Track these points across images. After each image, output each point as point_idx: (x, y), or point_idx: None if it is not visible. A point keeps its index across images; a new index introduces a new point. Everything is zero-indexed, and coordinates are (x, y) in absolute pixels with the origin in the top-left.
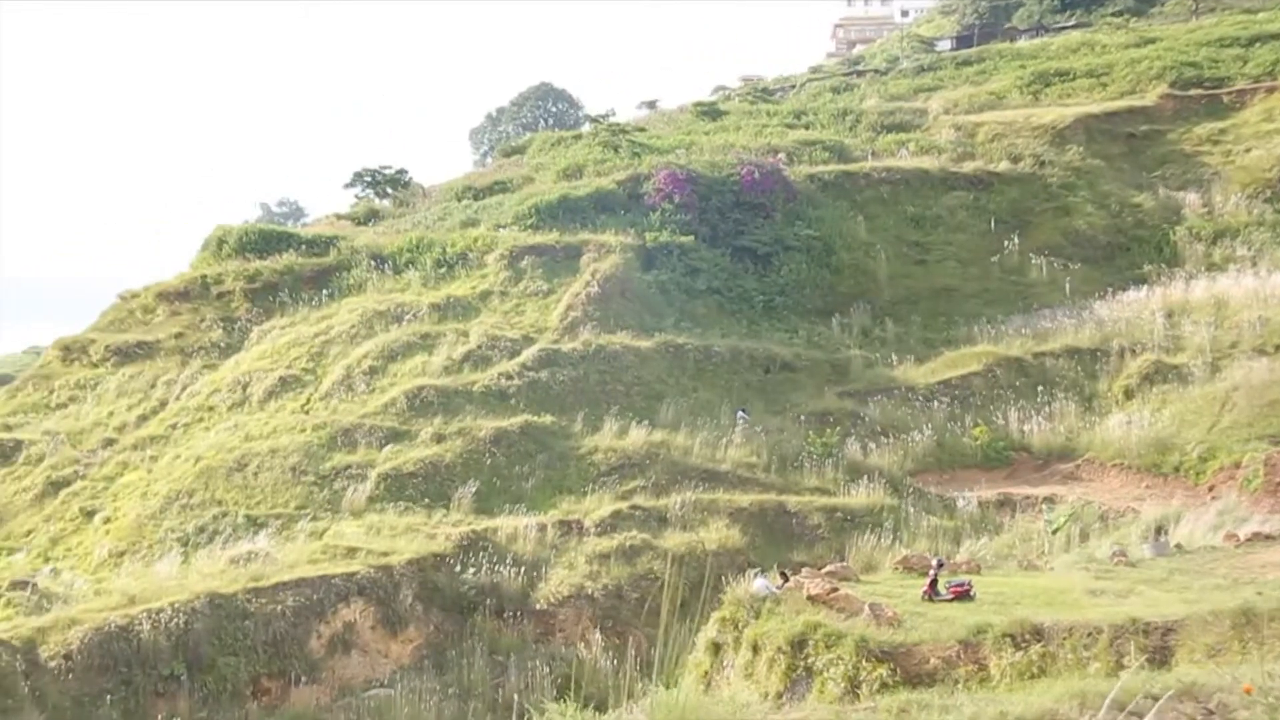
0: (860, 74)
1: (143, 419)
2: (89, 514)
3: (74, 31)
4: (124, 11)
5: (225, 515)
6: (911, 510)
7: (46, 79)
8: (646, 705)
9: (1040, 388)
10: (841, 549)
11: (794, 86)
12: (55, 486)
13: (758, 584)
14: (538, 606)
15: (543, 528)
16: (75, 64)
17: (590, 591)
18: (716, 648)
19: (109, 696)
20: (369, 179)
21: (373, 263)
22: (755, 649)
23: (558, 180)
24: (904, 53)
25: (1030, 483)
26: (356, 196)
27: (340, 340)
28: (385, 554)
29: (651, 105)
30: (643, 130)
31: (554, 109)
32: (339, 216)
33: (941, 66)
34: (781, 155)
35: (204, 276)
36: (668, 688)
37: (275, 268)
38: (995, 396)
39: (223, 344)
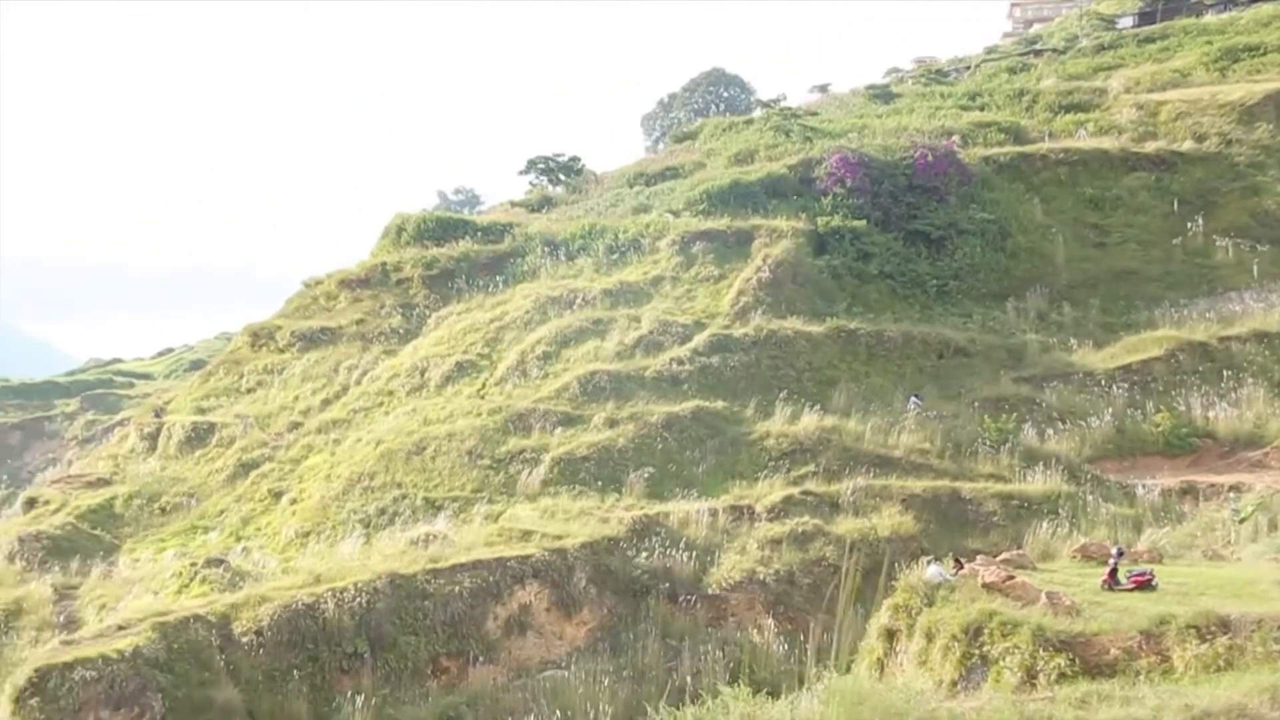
0: (1037, 53)
1: (326, 403)
2: (276, 495)
3: (253, 27)
4: (312, 8)
5: (405, 497)
6: (1090, 498)
7: (244, 74)
8: (821, 691)
9: (1226, 373)
10: (1017, 536)
11: (969, 68)
12: (245, 468)
13: (931, 571)
14: (710, 591)
15: (714, 513)
16: (259, 59)
17: (762, 577)
18: (890, 634)
19: (297, 672)
20: (543, 166)
21: (546, 249)
22: (929, 636)
23: (729, 165)
24: (1083, 30)
25: (1215, 471)
26: (531, 184)
27: (515, 326)
28: (559, 537)
29: (823, 89)
30: (814, 114)
31: (726, 94)
32: (514, 204)
33: (1123, 44)
34: (955, 138)
35: (384, 264)
36: (841, 674)
37: (452, 255)
38: (1178, 382)
39: (402, 330)
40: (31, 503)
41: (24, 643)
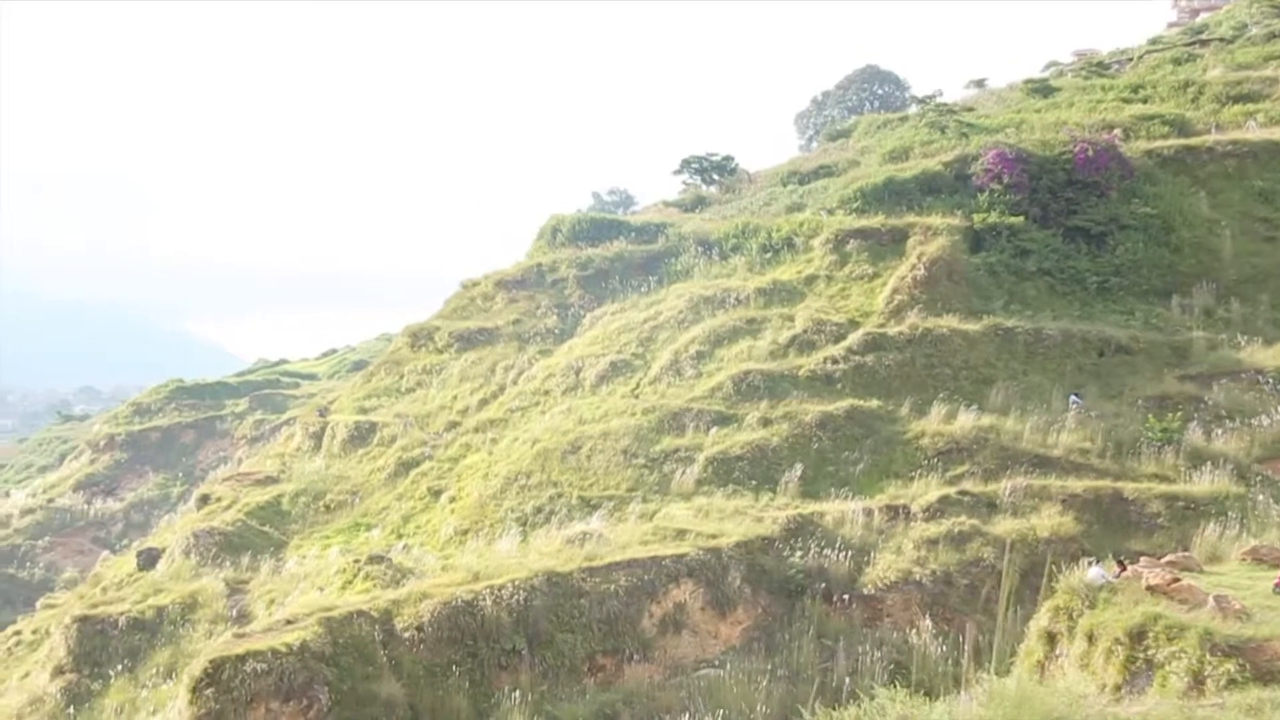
0: (1203, 43)
1: (483, 403)
2: (436, 493)
3: (408, 28)
4: (468, 10)
5: (560, 496)
6: (1260, 499)
7: (402, 76)
8: (980, 693)
9: None
10: (1183, 539)
11: (1130, 60)
12: (405, 467)
13: (1093, 573)
14: (865, 591)
15: (869, 512)
16: (417, 60)
17: (918, 577)
18: (1050, 637)
19: (456, 667)
20: (696, 166)
21: (700, 248)
22: (1090, 639)
23: (883, 163)
24: (1254, 18)
25: None
26: (684, 183)
27: (668, 325)
28: (714, 536)
29: (980, 84)
30: (971, 110)
31: (880, 91)
32: (667, 203)
33: None
34: (1117, 131)
35: (539, 264)
36: (1000, 676)
37: (606, 255)
38: None
39: (557, 330)
40: (205, 499)
41: (199, 634)
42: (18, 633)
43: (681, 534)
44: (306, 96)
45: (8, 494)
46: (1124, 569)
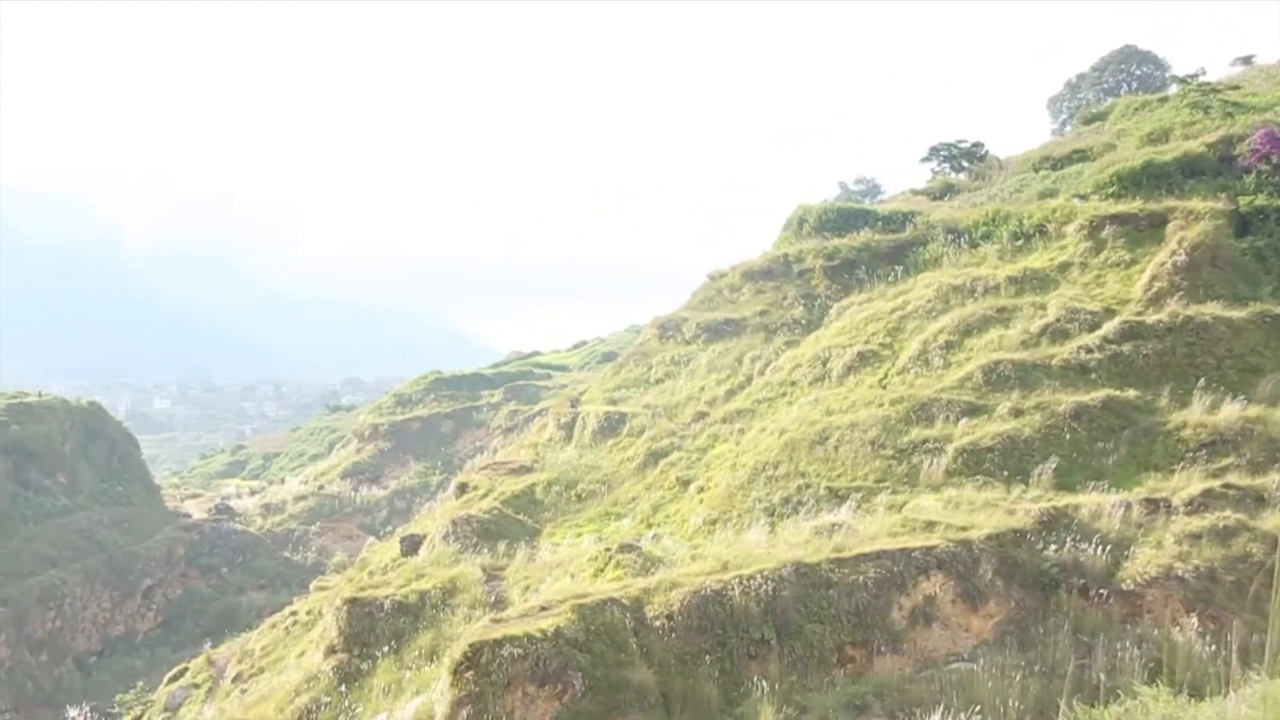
0: None
1: (730, 393)
2: (684, 483)
3: (666, 27)
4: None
5: (808, 487)
6: None
7: (647, 72)
8: (1250, 695)
9: None
10: None
11: None
12: (654, 457)
13: None
14: (1124, 586)
15: (1127, 505)
16: (661, 57)
17: (1180, 573)
18: None
19: (707, 656)
20: (944, 153)
21: (948, 237)
22: None
23: (1141, 146)
24: None
25: None
26: (932, 171)
27: (916, 315)
28: (964, 528)
29: (1247, 61)
30: (1237, 88)
31: (1138, 72)
32: (915, 192)
33: None
34: None
35: (786, 255)
36: (1272, 678)
37: (853, 245)
38: None
39: (803, 320)
40: (462, 488)
41: (459, 618)
42: (294, 613)
43: (931, 526)
44: (556, 94)
45: (283, 481)
46: None
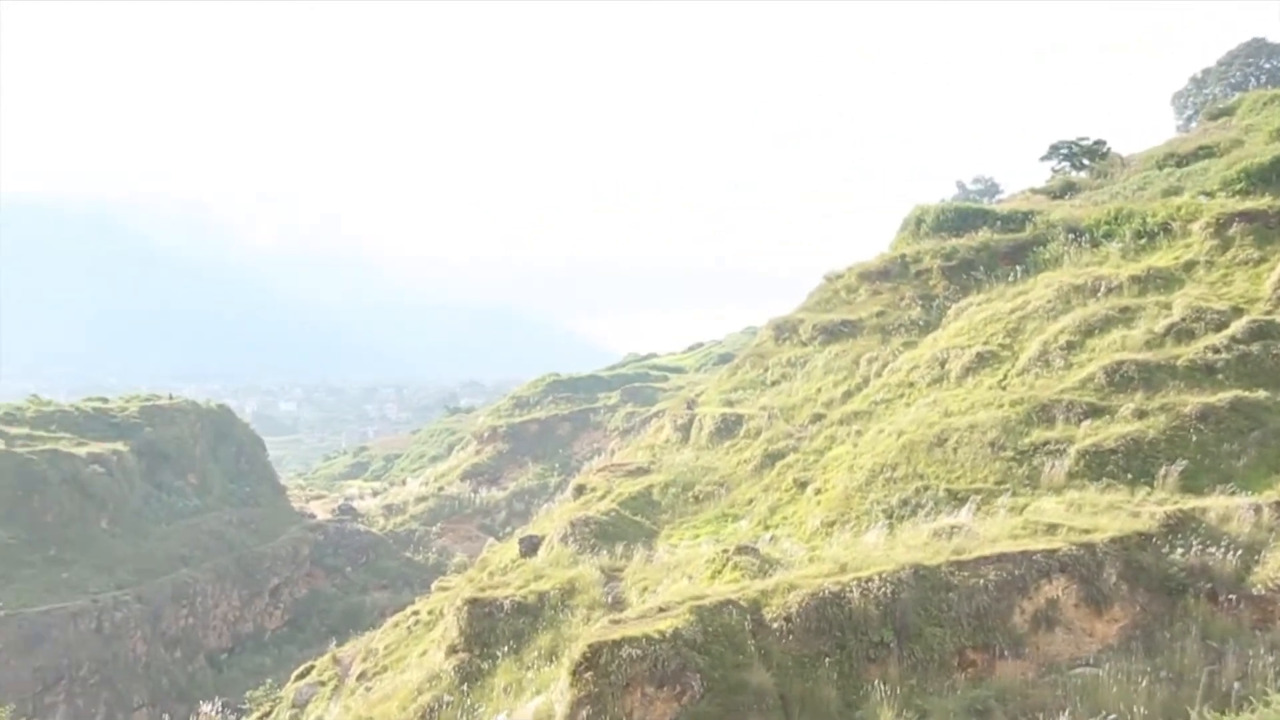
0: None
1: (847, 395)
2: (801, 485)
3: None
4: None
5: (926, 489)
6: None
7: (755, 76)
8: None
9: None
10: None
11: None
12: (771, 458)
13: None
14: (1254, 591)
15: (1258, 509)
16: (777, 63)
17: None
18: None
19: (825, 659)
20: (1065, 151)
21: (1069, 236)
22: None
23: (1270, 141)
24: None
25: None
26: (1052, 170)
27: (1036, 315)
28: (1087, 531)
29: None
30: None
31: (1267, 65)
32: (1034, 191)
33: None
34: None
35: (903, 256)
36: None
37: (971, 245)
38: None
39: (921, 321)
40: (580, 489)
41: (577, 619)
42: (415, 612)
43: (1053, 528)
44: (668, 98)
45: (404, 482)
46: None
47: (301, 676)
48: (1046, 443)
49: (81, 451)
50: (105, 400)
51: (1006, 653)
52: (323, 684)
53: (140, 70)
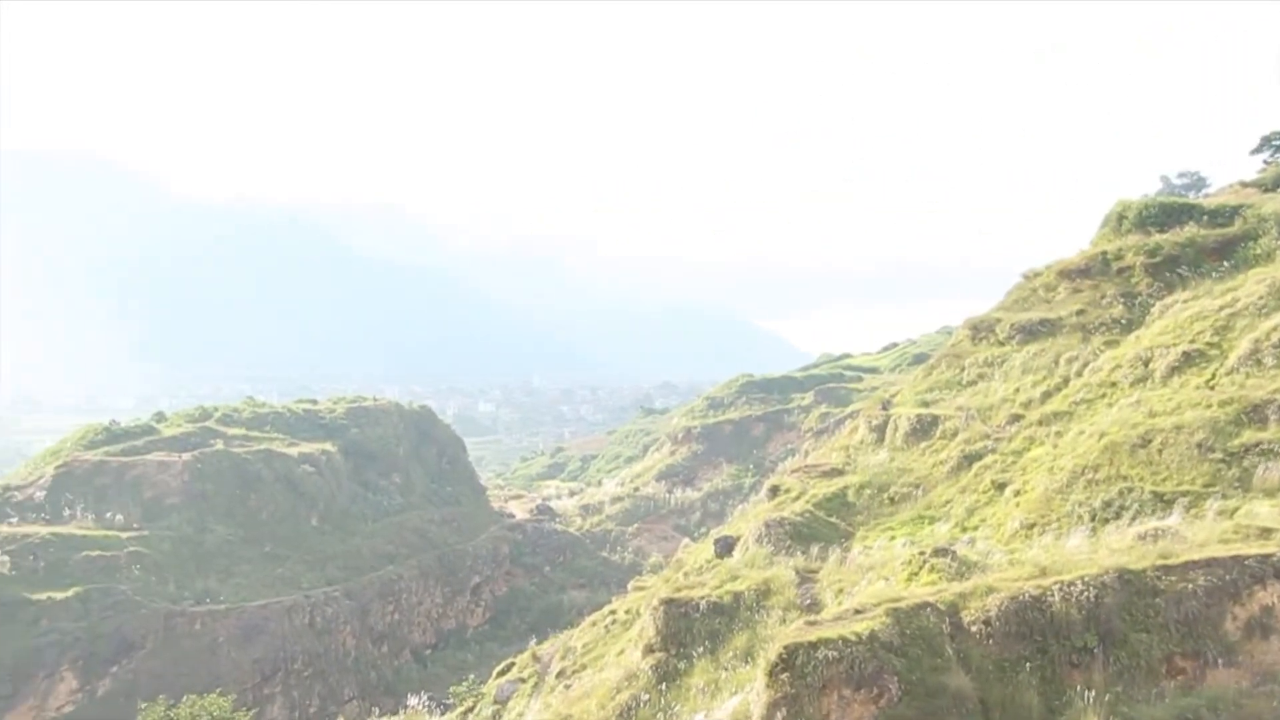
0: None
1: (1046, 395)
2: (999, 486)
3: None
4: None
5: (1130, 491)
6: None
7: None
8: None
9: None
10: None
11: None
12: (968, 460)
13: None
14: None
15: None
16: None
17: None
18: None
19: (1026, 664)
20: (1277, 144)
21: None
22: None
23: None
24: None
25: None
26: (1264, 162)
27: (1247, 313)
28: None
29: None
30: None
31: None
32: (1244, 184)
33: None
34: None
35: (1104, 253)
36: None
37: (1176, 240)
38: None
39: (1123, 320)
40: (774, 490)
41: (773, 620)
42: (612, 612)
43: (1267, 533)
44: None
45: (600, 482)
46: None
47: (503, 673)
48: (1258, 444)
49: (293, 451)
50: (314, 402)
51: (1218, 661)
52: (523, 680)
53: (330, 78)
